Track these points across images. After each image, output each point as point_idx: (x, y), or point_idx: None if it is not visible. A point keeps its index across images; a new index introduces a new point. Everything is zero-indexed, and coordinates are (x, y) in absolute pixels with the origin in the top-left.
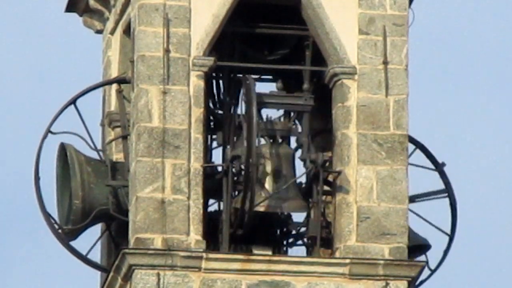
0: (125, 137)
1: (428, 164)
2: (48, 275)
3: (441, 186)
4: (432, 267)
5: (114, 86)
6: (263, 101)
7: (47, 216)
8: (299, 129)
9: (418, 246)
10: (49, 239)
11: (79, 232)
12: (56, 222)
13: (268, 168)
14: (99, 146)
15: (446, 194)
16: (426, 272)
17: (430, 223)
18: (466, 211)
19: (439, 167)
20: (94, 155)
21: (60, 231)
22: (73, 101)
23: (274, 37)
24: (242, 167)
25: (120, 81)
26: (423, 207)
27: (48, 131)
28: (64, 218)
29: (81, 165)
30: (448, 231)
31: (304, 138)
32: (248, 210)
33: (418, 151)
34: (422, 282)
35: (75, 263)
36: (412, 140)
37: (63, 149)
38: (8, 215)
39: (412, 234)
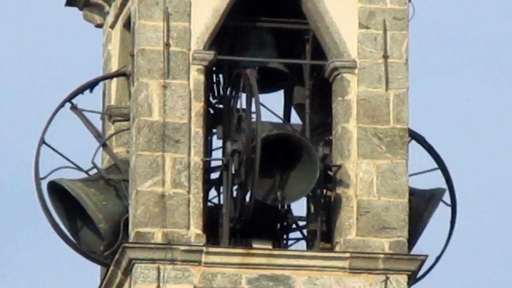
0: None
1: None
2: (49, 270)
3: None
4: (432, 261)
5: (115, 80)
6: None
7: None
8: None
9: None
10: (49, 234)
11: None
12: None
13: None
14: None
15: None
16: (426, 266)
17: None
18: (466, 206)
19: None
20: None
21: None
22: (75, 95)
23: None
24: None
25: (120, 75)
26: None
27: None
28: (98, 245)
29: (84, 191)
30: (448, 229)
31: None
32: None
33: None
34: (422, 276)
35: (76, 258)
36: (412, 133)
37: (55, 186)
38: (7, 209)
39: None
